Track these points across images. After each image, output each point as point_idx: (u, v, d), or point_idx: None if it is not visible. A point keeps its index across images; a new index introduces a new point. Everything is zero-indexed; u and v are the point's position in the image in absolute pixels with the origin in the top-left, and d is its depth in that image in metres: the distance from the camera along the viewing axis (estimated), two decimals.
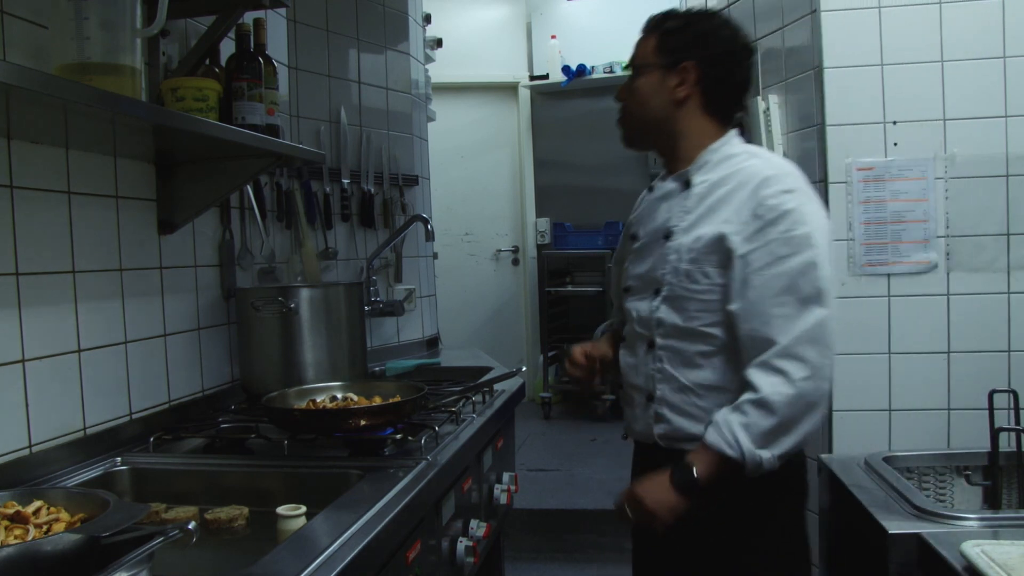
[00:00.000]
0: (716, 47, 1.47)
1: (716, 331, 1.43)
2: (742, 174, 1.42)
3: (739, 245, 1.37)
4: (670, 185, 1.52)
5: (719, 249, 1.40)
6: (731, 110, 1.53)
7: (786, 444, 1.34)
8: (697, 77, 1.46)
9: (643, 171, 5.48)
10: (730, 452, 1.33)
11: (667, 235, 1.47)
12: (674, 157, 1.53)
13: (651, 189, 1.59)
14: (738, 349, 1.40)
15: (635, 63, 1.53)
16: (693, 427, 1.45)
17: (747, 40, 1.53)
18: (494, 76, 5.98)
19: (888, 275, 2.11)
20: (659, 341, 1.49)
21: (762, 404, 1.32)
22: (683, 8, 1.52)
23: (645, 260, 1.53)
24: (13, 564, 0.84)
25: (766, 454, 1.33)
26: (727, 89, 1.51)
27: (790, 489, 1.49)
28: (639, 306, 1.53)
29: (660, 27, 1.51)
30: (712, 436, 1.35)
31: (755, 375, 1.35)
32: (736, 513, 1.44)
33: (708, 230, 1.41)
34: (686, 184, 1.48)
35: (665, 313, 1.47)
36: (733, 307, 1.38)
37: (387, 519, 1.18)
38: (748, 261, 1.37)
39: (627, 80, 1.53)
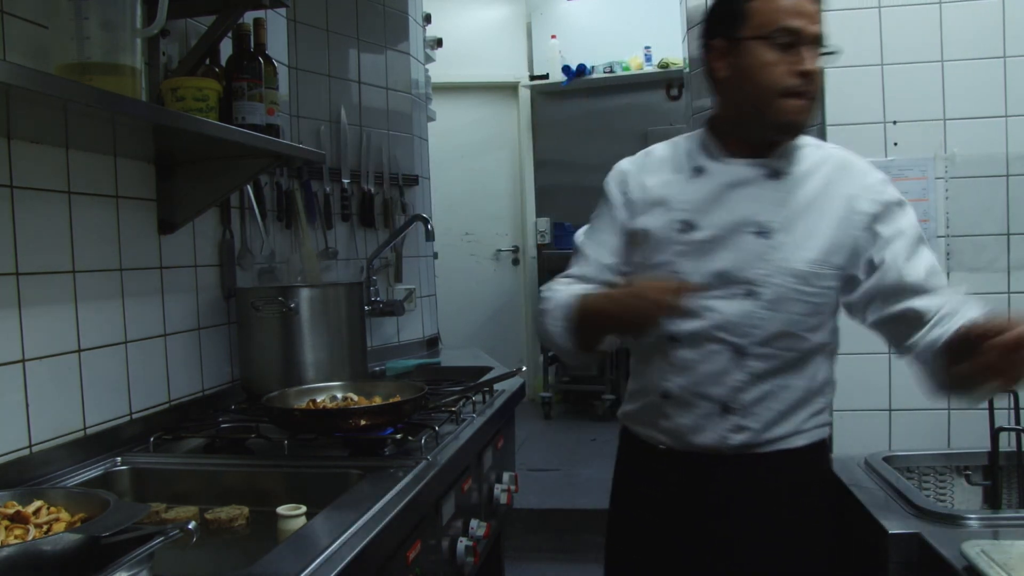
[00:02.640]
0: None
1: (817, 336, 1.43)
2: (829, 164, 1.42)
3: (871, 241, 1.38)
4: (746, 171, 1.41)
5: (843, 248, 1.38)
6: None
7: None
8: None
9: None
10: None
11: (761, 232, 1.38)
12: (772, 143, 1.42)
13: (700, 171, 1.44)
14: (833, 350, 1.49)
15: (822, 39, 1.37)
16: (779, 431, 1.42)
17: None
18: (494, 76, 5.98)
19: None
20: (753, 348, 1.39)
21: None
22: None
23: (720, 255, 1.39)
24: (13, 564, 0.84)
25: None
26: None
27: None
28: (724, 307, 1.39)
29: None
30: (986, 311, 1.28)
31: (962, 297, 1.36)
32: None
33: (824, 229, 1.38)
34: (774, 174, 1.40)
35: (767, 316, 1.38)
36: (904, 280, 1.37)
37: (387, 519, 1.18)
38: (893, 249, 1.38)
39: (819, 55, 1.36)
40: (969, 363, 1.18)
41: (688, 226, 1.42)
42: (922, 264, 1.39)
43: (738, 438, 1.42)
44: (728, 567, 1.44)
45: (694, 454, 1.46)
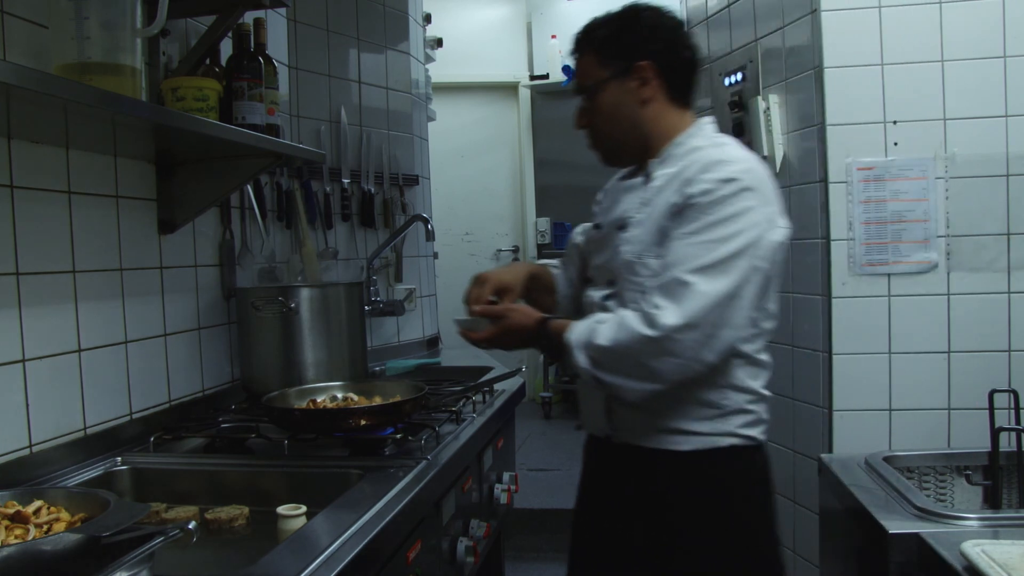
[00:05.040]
0: (661, 36, 1.45)
1: None
2: (695, 164, 1.38)
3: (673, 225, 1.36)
4: (637, 179, 1.51)
5: (661, 241, 1.37)
6: (692, 93, 1.51)
7: (606, 378, 1.36)
8: (655, 72, 1.44)
9: None
10: (569, 338, 1.38)
11: (622, 226, 1.46)
12: (646, 158, 1.49)
13: (621, 179, 1.59)
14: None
15: (584, 85, 1.48)
16: (642, 427, 1.44)
17: (677, 18, 1.52)
18: (494, 76, 5.98)
19: (888, 275, 2.11)
20: None
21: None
22: (603, 14, 1.48)
23: (603, 251, 1.52)
24: (13, 564, 0.84)
25: (583, 361, 1.37)
26: (684, 72, 1.49)
27: (742, 479, 1.44)
28: (592, 295, 1.53)
29: (593, 41, 1.48)
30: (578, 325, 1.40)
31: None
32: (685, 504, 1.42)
33: (656, 218, 1.39)
34: (647, 177, 1.47)
35: (612, 307, 1.44)
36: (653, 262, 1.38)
37: (387, 519, 1.18)
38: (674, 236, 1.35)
39: (582, 104, 1.50)
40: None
41: (597, 227, 1.59)
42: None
43: (608, 428, 1.52)
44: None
45: (594, 438, 1.60)
